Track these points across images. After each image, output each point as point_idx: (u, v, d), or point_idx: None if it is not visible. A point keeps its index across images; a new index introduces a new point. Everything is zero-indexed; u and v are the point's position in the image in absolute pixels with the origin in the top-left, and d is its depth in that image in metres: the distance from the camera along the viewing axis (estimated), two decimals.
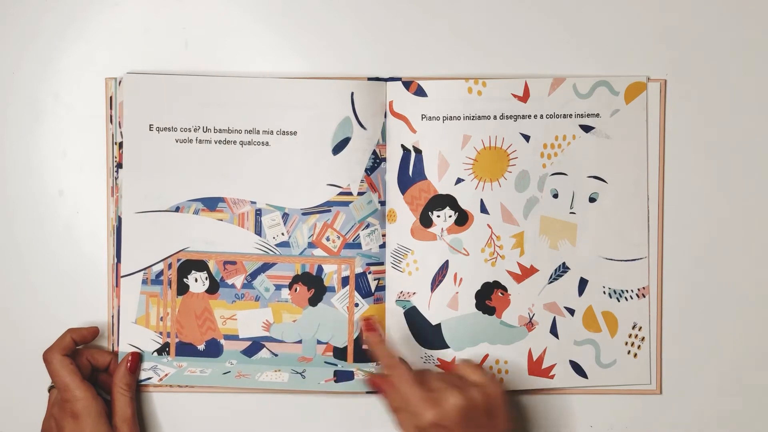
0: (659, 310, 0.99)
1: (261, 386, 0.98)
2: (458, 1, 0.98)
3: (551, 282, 0.98)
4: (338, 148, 0.97)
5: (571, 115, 0.97)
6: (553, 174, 0.98)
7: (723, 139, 0.99)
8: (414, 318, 0.98)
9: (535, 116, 0.97)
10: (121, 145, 0.97)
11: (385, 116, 0.97)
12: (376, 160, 0.97)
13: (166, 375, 0.98)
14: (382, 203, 0.98)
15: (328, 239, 0.98)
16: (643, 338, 0.99)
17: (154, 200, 0.97)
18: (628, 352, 0.98)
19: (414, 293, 0.98)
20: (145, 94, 0.96)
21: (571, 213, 0.98)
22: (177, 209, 0.97)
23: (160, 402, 0.99)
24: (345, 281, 0.98)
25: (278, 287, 0.98)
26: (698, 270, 0.99)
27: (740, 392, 1.00)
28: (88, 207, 0.99)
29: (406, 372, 0.90)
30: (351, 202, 0.97)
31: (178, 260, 0.97)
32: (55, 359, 0.93)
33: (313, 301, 0.98)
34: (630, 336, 0.99)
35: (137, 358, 0.97)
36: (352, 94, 0.96)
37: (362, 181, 0.97)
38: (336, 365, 0.98)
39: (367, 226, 0.98)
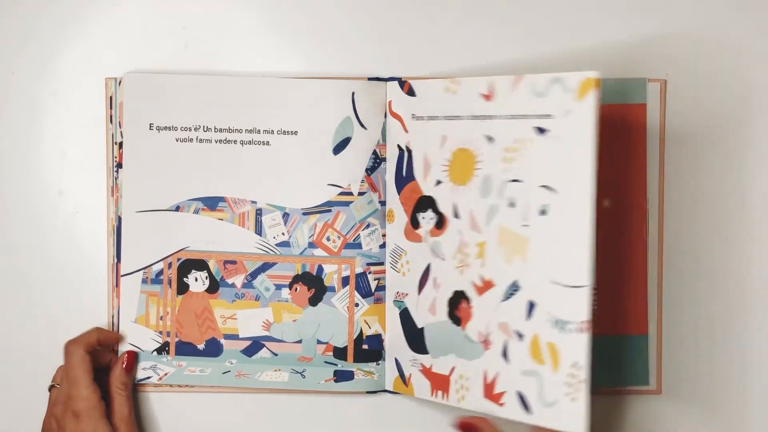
0: (659, 310, 0.99)
1: (261, 386, 0.98)
2: (461, 2, 0.98)
3: (504, 300, 0.89)
4: (339, 148, 0.97)
5: (527, 116, 0.87)
6: (511, 180, 0.88)
7: (723, 140, 0.99)
8: (406, 319, 0.97)
9: (498, 117, 0.89)
10: (121, 144, 0.97)
11: (385, 116, 0.97)
12: (377, 160, 0.97)
13: (166, 374, 0.97)
14: (383, 203, 0.98)
15: (328, 239, 0.98)
16: (582, 381, 0.84)
17: (154, 199, 0.97)
18: (566, 394, 0.85)
19: (407, 294, 0.97)
20: (145, 93, 0.96)
21: (524, 226, 0.87)
22: (177, 208, 0.97)
23: (159, 401, 0.98)
24: (345, 281, 0.98)
25: (278, 287, 0.98)
26: (699, 270, 0.99)
27: (740, 393, 1.00)
28: (88, 207, 0.99)
29: None
30: (351, 202, 0.97)
31: (178, 259, 0.97)
32: (77, 353, 0.92)
33: (314, 301, 0.98)
34: (568, 376, 0.85)
35: (133, 357, 0.97)
36: (353, 93, 0.96)
37: (363, 181, 0.97)
38: (336, 365, 0.98)
39: (368, 226, 0.98)
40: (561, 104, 0.84)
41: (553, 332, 0.85)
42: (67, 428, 0.91)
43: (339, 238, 0.98)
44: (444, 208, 0.94)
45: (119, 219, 0.97)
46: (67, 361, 0.93)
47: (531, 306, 0.87)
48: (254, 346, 0.98)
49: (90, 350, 0.94)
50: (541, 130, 0.86)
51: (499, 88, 0.89)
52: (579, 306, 0.83)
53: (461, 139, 0.92)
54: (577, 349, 0.84)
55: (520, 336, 0.88)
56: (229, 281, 0.98)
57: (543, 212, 0.86)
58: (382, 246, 0.98)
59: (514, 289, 0.88)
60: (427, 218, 0.95)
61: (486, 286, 0.91)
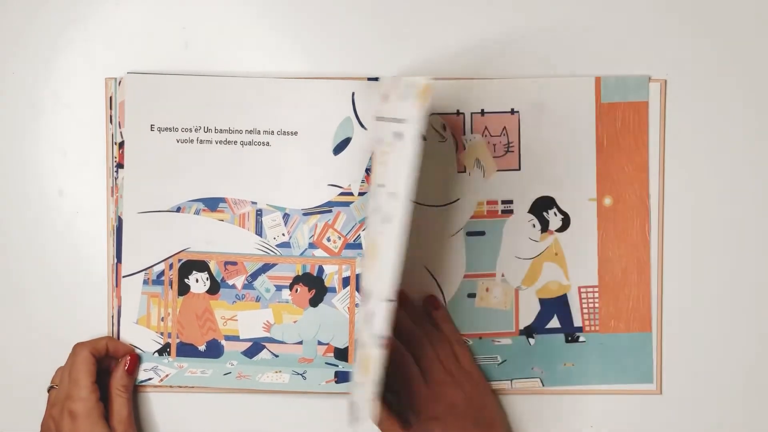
0: (659, 310, 0.99)
1: (261, 387, 0.98)
2: (461, 3, 0.98)
3: (363, 308, 0.87)
4: (339, 148, 0.97)
5: (394, 119, 0.82)
6: (378, 185, 0.84)
7: (724, 140, 0.99)
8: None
9: (385, 119, 0.85)
10: (121, 145, 0.97)
11: None
12: None
13: (167, 376, 0.98)
14: None
15: (328, 239, 0.98)
16: (371, 399, 0.80)
17: (155, 200, 0.97)
18: (365, 409, 0.81)
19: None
20: (145, 94, 0.96)
21: (378, 233, 0.83)
22: (178, 209, 0.97)
23: (160, 403, 0.99)
24: (346, 282, 0.98)
25: (279, 288, 0.98)
26: (699, 269, 0.99)
27: (741, 392, 1.00)
28: (88, 207, 0.99)
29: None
30: (352, 202, 0.97)
31: (179, 260, 0.97)
32: (83, 353, 0.93)
33: (314, 302, 0.98)
34: (368, 392, 0.81)
35: (136, 359, 0.97)
36: (353, 94, 0.96)
37: (363, 181, 0.97)
38: (337, 366, 0.98)
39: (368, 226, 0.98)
40: (411, 109, 0.78)
41: (372, 345, 0.81)
42: (64, 429, 0.91)
43: (339, 238, 0.98)
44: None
45: (119, 220, 0.97)
46: (71, 360, 0.93)
47: (370, 316, 0.83)
48: (255, 347, 0.98)
49: (96, 354, 0.94)
50: (398, 135, 0.80)
51: (389, 90, 0.86)
52: (383, 321, 0.79)
53: (374, 141, 0.90)
54: (375, 365, 0.79)
55: (362, 346, 0.85)
56: (230, 282, 0.98)
57: (388, 220, 0.80)
58: None
59: (367, 297, 0.86)
60: None
61: (363, 294, 0.89)
